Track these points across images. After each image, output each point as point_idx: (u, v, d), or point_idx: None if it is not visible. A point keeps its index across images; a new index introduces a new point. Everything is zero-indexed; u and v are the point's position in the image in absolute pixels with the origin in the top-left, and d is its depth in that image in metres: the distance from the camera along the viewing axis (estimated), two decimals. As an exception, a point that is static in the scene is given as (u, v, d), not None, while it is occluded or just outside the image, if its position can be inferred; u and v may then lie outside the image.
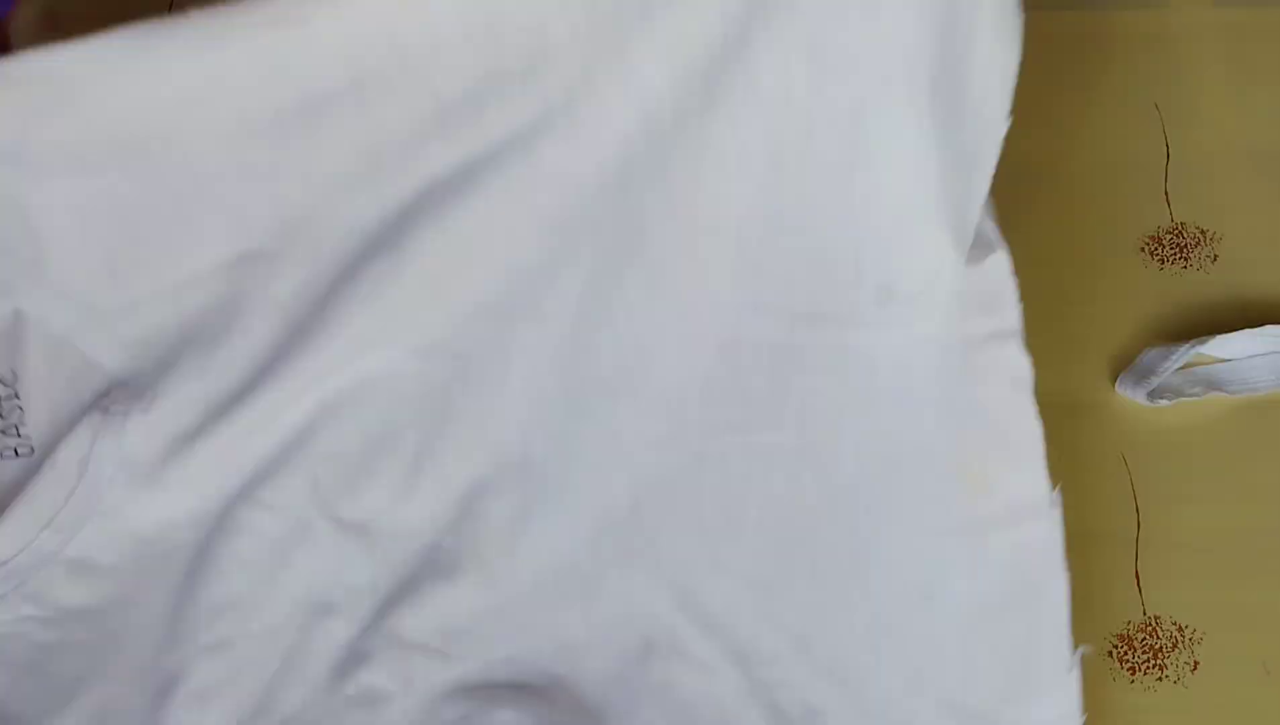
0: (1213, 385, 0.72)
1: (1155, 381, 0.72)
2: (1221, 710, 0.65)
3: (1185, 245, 0.78)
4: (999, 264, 0.65)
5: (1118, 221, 0.78)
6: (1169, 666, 0.66)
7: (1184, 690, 0.66)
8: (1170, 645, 0.67)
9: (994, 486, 0.63)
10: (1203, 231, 0.78)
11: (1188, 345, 0.72)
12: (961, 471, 0.63)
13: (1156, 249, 0.78)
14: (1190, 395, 0.72)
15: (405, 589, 0.62)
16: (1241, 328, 0.73)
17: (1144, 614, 0.67)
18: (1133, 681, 0.66)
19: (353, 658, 0.61)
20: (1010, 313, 0.65)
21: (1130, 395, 0.72)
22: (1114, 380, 0.73)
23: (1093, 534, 0.69)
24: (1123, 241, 0.78)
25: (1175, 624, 0.67)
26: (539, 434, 0.64)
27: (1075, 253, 0.77)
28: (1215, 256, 0.77)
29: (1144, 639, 0.67)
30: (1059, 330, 0.75)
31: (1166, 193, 0.79)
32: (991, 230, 0.65)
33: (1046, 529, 0.62)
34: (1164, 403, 0.72)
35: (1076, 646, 0.60)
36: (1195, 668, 0.66)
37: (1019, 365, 0.65)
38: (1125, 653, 0.66)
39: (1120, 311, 0.75)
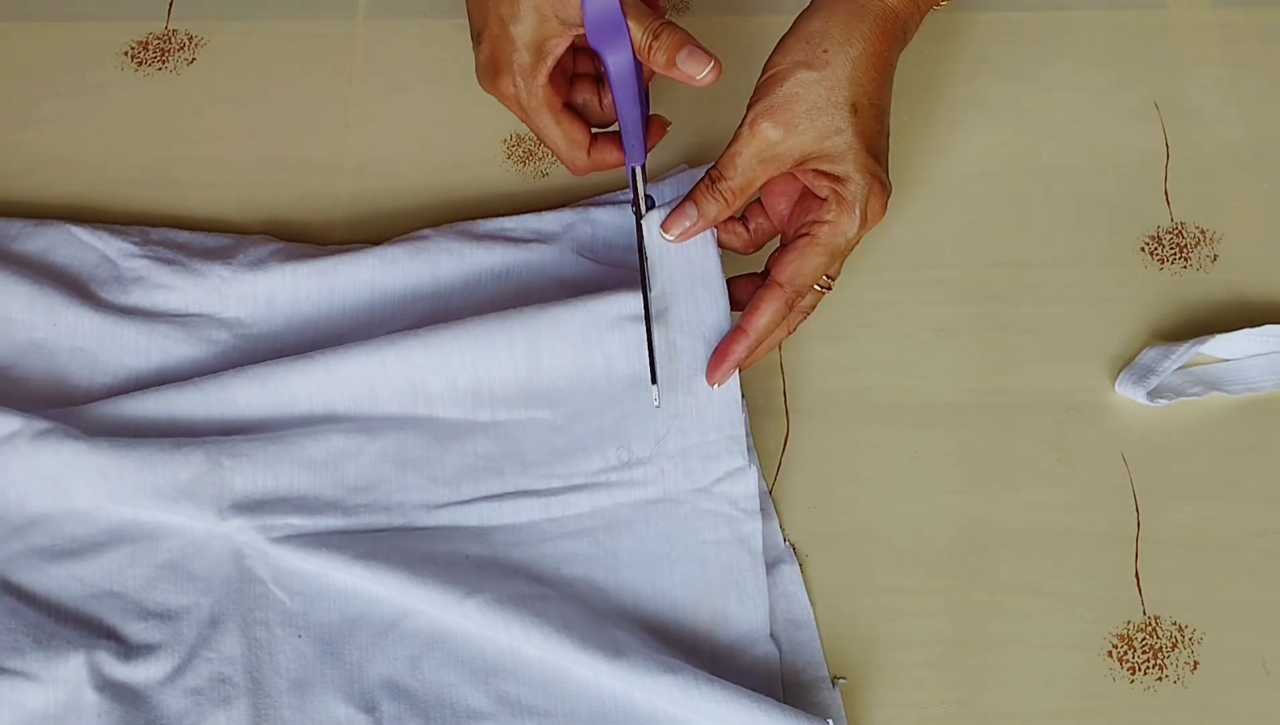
0: (1213, 385, 0.72)
1: (1155, 381, 0.72)
2: (1221, 710, 0.65)
3: (1185, 245, 0.78)
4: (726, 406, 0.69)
5: (1118, 221, 0.78)
6: (1169, 666, 0.66)
7: (1184, 690, 0.66)
8: (1170, 645, 0.67)
9: (726, 622, 0.66)
10: (1203, 231, 0.78)
11: (1188, 345, 0.72)
12: (694, 617, 0.66)
13: (1156, 249, 0.78)
14: (1190, 395, 0.72)
15: None
16: (1241, 328, 0.73)
17: (1144, 614, 0.67)
18: (1133, 681, 0.66)
19: None
20: (737, 455, 0.69)
21: (1130, 395, 0.72)
22: (1114, 380, 0.73)
23: (1093, 534, 0.69)
24: (1123, 241, 0.78)
25: (1175, 624, 0.67)
26: None
27: (1075, 253, 0.77)
28: (1215, 256, 0.77)
29: (1144, 639, 0.67)
30: (1059, 330, 0.75)
31: (1166, 193, 0.79)
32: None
33: (766, 651, 0.66)
34: (1164, 403, 0.72)
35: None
36: (1195, 668, 0.66)
37: (746, 502, 0.69)
38: (1125, 653, 0.66)
39: (1120, 311, 0.75)
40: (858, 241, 0.68)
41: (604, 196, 0.78)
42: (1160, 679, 0.66)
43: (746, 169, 0.66)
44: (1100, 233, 0.78)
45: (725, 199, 0.67)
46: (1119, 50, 0.84)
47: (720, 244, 0.70)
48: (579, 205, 0.78)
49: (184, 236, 0.76)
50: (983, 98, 0.82)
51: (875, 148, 0.67)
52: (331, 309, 0.74)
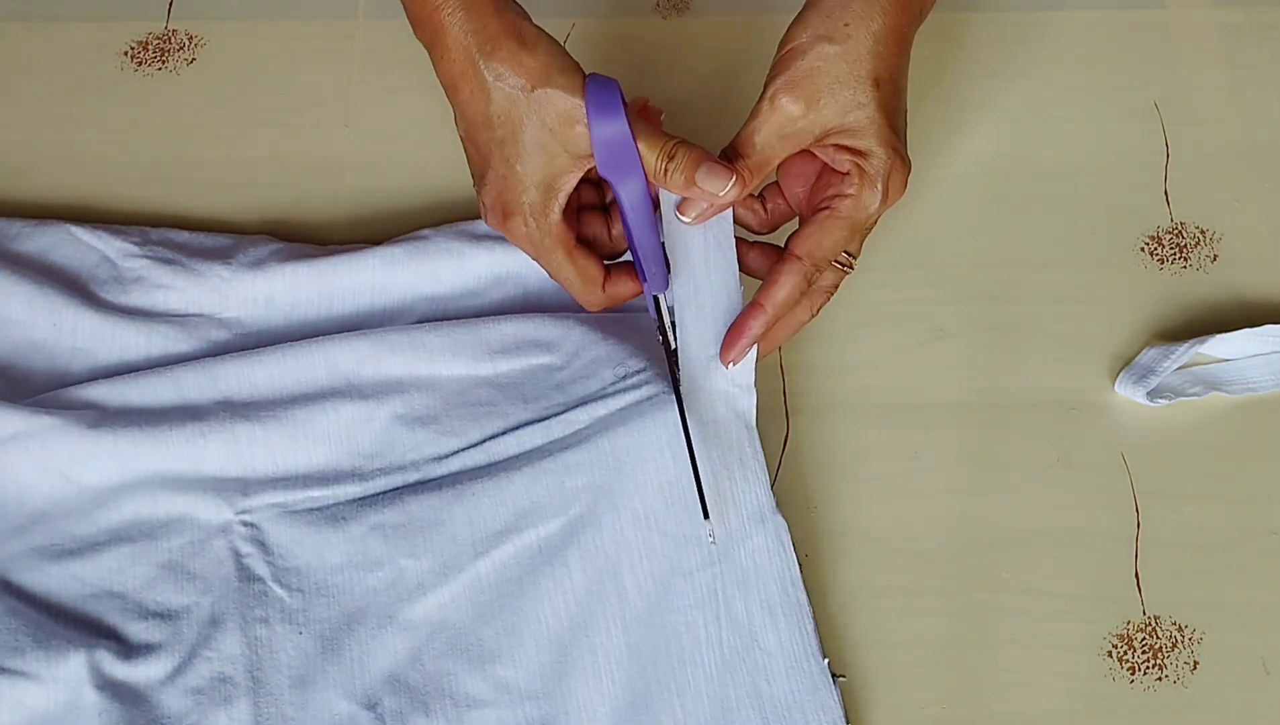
0: (1213, 385, 0.72)
1: (1155, 381, 0.72)
2: (1221, 710, 0.65)
3: (1185, 245, 0.78)
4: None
5: (1118, 221, 0.78)
6: (1169, 666, 0.66)
7: (1184, 690, 0.66)
8: (1170, 645, 0.67)
9: (733, 501, 0.67)
10: (1203, 231, 0.78)
11: (1188, 345, 0.72)
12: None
13: (1156, 249, 0.78)
14: (1190, 395, 0.72)
15: None
16: (1241, 328, 0.73)
17: (1144, 614, 0.67)
18: (1133, 681, 0.66)
19: None
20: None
21: (1130, 395, 0.72)
22: (1114, 380, 0.73)
23: (1093, 534, 0.69)
24: (1123, 241, 0.78)
25: (1175, 624, 0.67)
26: None
27: (1075, 253, 0.77)
28: (1215, 256, 0.77)
29: (1144, 639, 0.67)
30: (1059, 330, 0.75)
31: (1166, 193, 0.79)
32: None
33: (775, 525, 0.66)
34: (1164, 403, 0.72)
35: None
36: (1195, 668, 0.66)
37: (743, 377, 0.68)
38: (1125, 653, 0.66)
39: (1120, 311, 0.75)
40: (878, 218, 0.66)
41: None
42: (1160, 679, 0.66)
43: (766, 146, 0.64)
44: (1100, 233, 0.78)
45: (744, 177, 0.64)
46: (1119, 50, 0.84)
47: (736, 220, 0.68)
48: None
49: (184, 236, 0.76)
50: (983, 98, 0.82)
51: (896, 123, 0.66)
52: (331, 309, 0.74)
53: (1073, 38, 0.85)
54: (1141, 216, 0.79)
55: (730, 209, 0.67)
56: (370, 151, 0.81)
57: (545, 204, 0.65)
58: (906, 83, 0.67)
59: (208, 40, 0.85)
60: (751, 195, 0.68)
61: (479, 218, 0.76)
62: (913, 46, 0.68)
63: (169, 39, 0.85)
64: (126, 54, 0.84)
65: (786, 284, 0.65)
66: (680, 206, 0.66)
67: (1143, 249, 0.78)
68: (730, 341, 0.66)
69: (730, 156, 0.65)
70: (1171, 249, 0.78)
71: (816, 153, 0.66)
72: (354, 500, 0.69)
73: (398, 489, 0.69)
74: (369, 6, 0.86)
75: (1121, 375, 0.73)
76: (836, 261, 0.67)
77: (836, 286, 0.68)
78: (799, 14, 0.66)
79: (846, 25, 0.64)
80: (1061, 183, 0.80)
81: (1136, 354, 0.73)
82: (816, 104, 0.64)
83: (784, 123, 0.64)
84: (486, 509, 0.67)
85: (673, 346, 0.68)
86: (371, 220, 0.79)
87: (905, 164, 0.66)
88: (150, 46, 0.85)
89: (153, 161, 0.81)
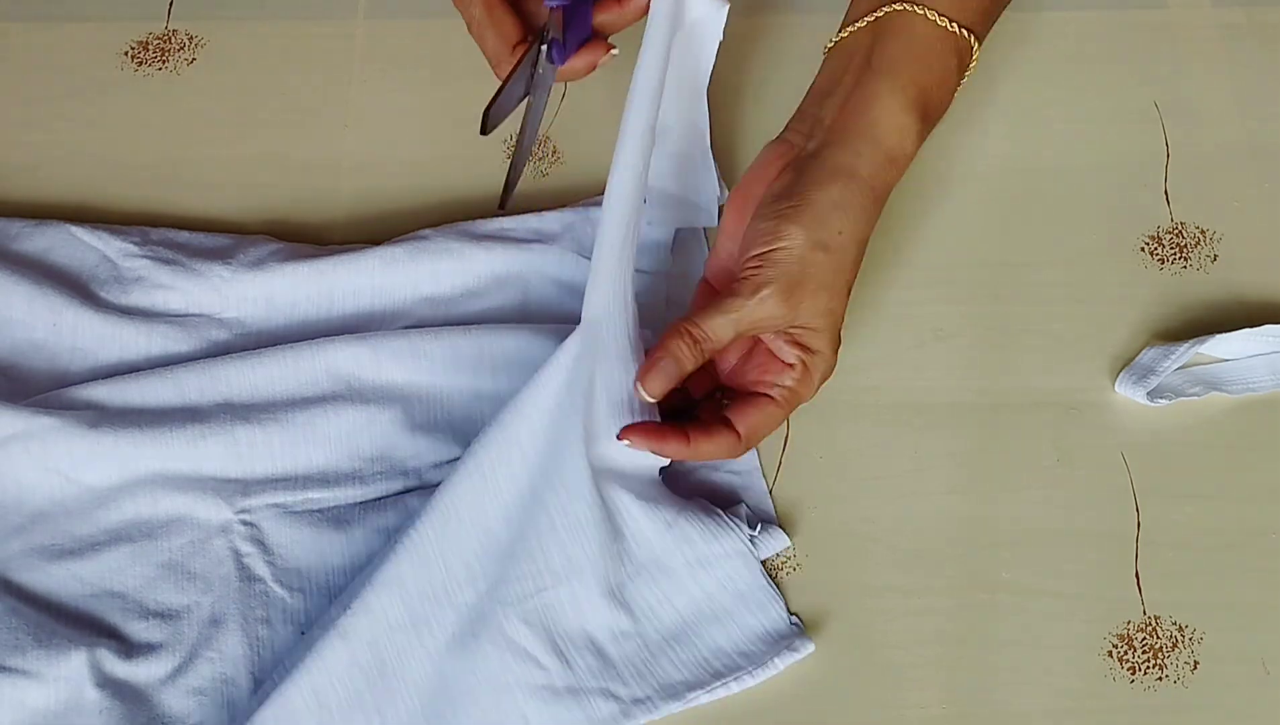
0: (1213, 385, 0.72)
1: (1155, 381, 0.72)
2: (1221, 710, 0.65)
3: (1185, 245, 0.78)
4: None
5: (1118, 221, 0.78)
6: (1169, 666, 0.66)
7: (1184, 690, 0.66)
8: (1170, 645, 0.67)
9: None
10: (1203, 231, 0.78)
11: (1188, 345, 0.72)
12: None
13: (1156, 249, 0.78)
14: (1190, 395, 0.72)
15: None
16: (1241, 328, 0.73)
17: (1144, 614, 0.67)
18: (1133, 681, 0.66)
19: None
20: None
21: (1130, 395, 0.72)
22: (1114, 380, 0.73)
23: (1093, 534, 0.69)
24: (1123, 241, 0.78)
25: (1175, 624, 0.67)
26: None
27: (1075, 253, 0.77)
28: (1215, 256, 0.77)
29: (1144, 639, 0.67)
30: (1059, 330, 0.75)
31: (1166, 193, 0.79)
32: None
33: None
34: (1164, 402, 0.72)
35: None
36: (1195, 668, 0.66)
37: None
38: (1125, 653, 0.66)
39: (1120, 311, 0.75)
40: None
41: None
42: (1160, 679, 0.66)
43: (733, 333, 0.66)
44: (1100, 233, 0.78)
45: (703, 353, 0.66)
46: (1119, 50, 0.84)
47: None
48: (579, 205, 0.78)
49: (184, 236, 0.76)
50: (983, 98, 0.82)
51: (841, 324, 0.68)
52: (331, 309, 0.74)
53: (1073, 38, 0.85)
54: (1141, 216, 0.79)
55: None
56: (370, 151, 0.81)
57: None
58: None
59: (208, 40, 0.85)
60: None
61: (479, 218, 0.77)
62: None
63: (169, 39, 0.85)
64: (126, 54, 0.84)
65: (718, 444, 0.67)
66: (644, 381, 0.65)
67: (1143, 249, 0.78)
68: (639, 435, 0.66)
69: (698, 338, 0.66)
70: (1171, 249, 0.78)
71: (765, 340, 0.68)
72: (355, 504, 0.69)
73: (399, 493, 0.69)
74: (369, 6, 0.86)
75: (1121, 375, 0.73)
76: None
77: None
78: (789, 206, 0.66)
79: (841, 234, 0.66)
80: (1061, 183, 0.80)
81: (1136, 354, 0.73)
82: (797, 306, 0.66)
83: (763, 317, 0.66)
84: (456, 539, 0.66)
85: (534, 58, 0.68)
86: (371, 220, 0.79)
87: (835, 359, 0.68)
88: (150, 46, 0.85)
89: (153, 161, 0.81)
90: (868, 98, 0.69)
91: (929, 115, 0.71)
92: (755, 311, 0.66)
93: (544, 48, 0.68)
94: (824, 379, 0.68)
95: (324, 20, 0.86)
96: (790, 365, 0.67)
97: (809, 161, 0.68)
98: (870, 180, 0.67)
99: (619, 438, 0.66)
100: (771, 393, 0.67)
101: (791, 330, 0.67)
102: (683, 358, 0.66)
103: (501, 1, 0.70)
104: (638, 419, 0.66)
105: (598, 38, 0.70)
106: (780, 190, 0.68)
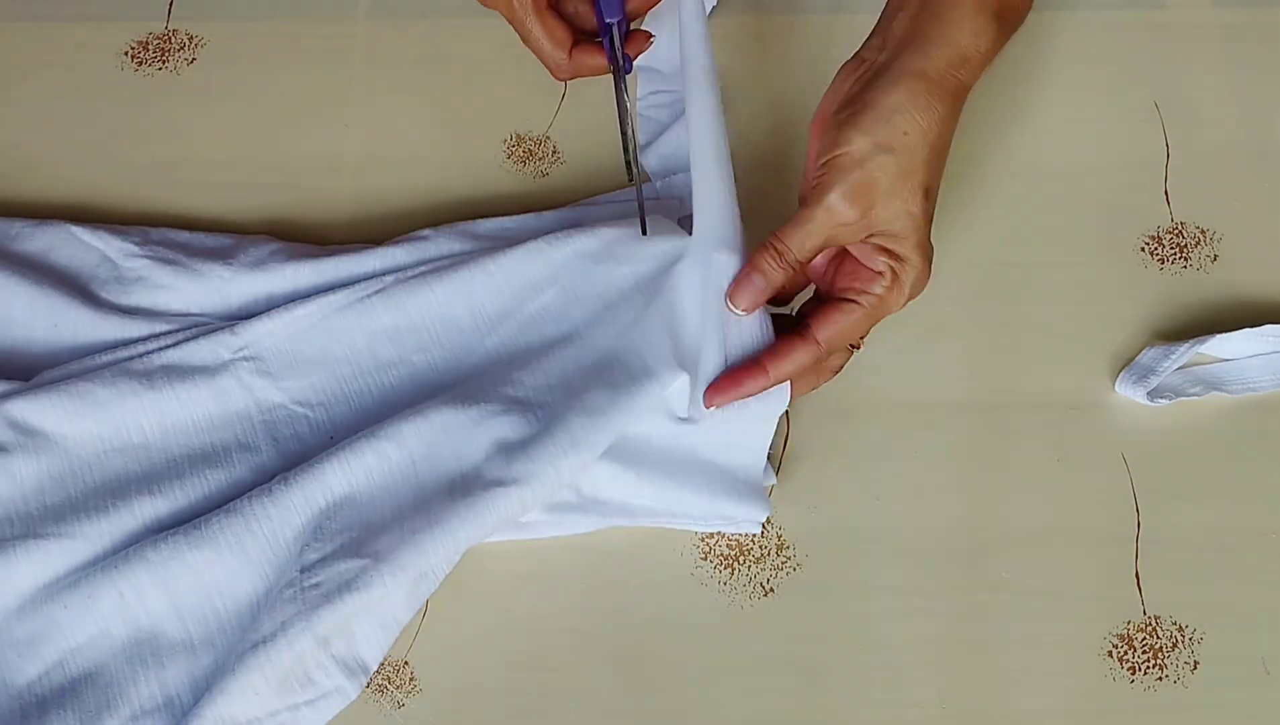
0: (1213, 385, 0.72)
1: (1155, 381, 0.72)
2: (1221, 710, 0.65)
3: (1185, 245, 0.78)
4: None
5: (1118, 221, 0.78)
6: (1169, 666, 0.66)
7: (1184, 690, 0.66)
8: (1170, 645, 0.67)
9: None
10: (1203, 231, 0.78)
11: (1188, 345, 0.72)
12: None
13: (1156, 249, 0.78)
14: (1190, 395, 0.72)
15: None
16: (1242, 328, 0.73)
17: (1144, 614, 0.67)
18: (1133, 681, 0.66)
19: None
20: None
21: (1130, 395, 0.72)
22: (1114, 380, 0.73)
23: (1093, 534, 0.69)
24: (1123, 241, 0.78)
25: (1175, 624, 0.67)
26: None
27: (1075, 253, 0.77)
28: (1215, 256, 0.77)
29: (1144, 639, 0.67)
30: (1059, 330, 0.75)
31: (1166, 193, 0.79)
32: None
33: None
34: (1164, 403, 0.72)
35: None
36: (1195, 668, 0.66)
37: None
38: (1125, 653, 0.66)
39: (1120, 311, 0.75)
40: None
41: (605, 196, 0.78)
42: (1160, 679, 0.66)
43: (814, 245, 0.66)
44: (1100, 233, 0.78)
45: (792, 269, 0.66)
46: (1119, 50, 0.84)
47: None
48: (579, 205, 0.78)
49: (184, 236, 0.76)
50: (983, 98, 0.82)
51: (929, 228, 0.67)
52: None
53: (1073, 38, 0.85)
54: (1141, 216, 0.79)
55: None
56: (370, 151, 0.81)
57: None
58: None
59: (208, 40, 0.85)
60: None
61: (479, 218, 0.77)
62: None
63: (169, 39, 0.85)
64: (126, 54, 0.84)
65: (796, 360, 0.66)
66: (733, 296, 0.67)
67: (1143, 249, 0.78)
68: (721, 388, 0.66)
69: (779, 251, 0.66)
70: (1171, 249, 0.78)
71: (852, 249, 0.67)
72: (347, 307, 0.70)
73: (387, 290, 0.71)
74: (369, 6, 0.86)
75: (1122, 375, 0.73)
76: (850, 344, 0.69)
77: (841, 368, 0.70)
78: (850, 113, 0.66)
79: (906, 134, 0.65)
80: (1061, 183, 0.80)
81: (1136, 354, 0.73)
82: (870, 212, 0.65)
83: (835, 227, 0.65)
84: (482, 294, 0.70)
85: (623, 72, 0.72)
86: (371, 220, 0.79)
87: (929, 270, 0.67)
88: (150, 46, 0.85)
89: (153, 161, 0.81)
90: (942, 5, 0.67)
91: (1005, 17, 0.69)
92: (827, 220, 0.65)
93: (616, 57, 0.72)
94: (915, 291, 0.67)
95: (324, 20, 0.86)
96: (879, 273, 0.66)
97: (879, 71, 0.67)
98: (940, 79, 0.66)
99: (707, 407, 0.66)
100: (859, 299, 0.67)
101: (873, 238, 0.66)
102: (769, 271, 0.66)
103: (551, 11, 0.73)
104: (745, 337, 0.67)
105: (636, 31, 0.74)
106: (845, 99, 0.67)
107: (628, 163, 0.72)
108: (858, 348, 0.70)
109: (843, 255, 0.68)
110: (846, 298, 0.67)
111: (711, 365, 0.67)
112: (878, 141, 0.65)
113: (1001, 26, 0.68)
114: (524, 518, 0.66)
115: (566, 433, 0.66)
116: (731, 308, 0.67)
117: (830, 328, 0.67)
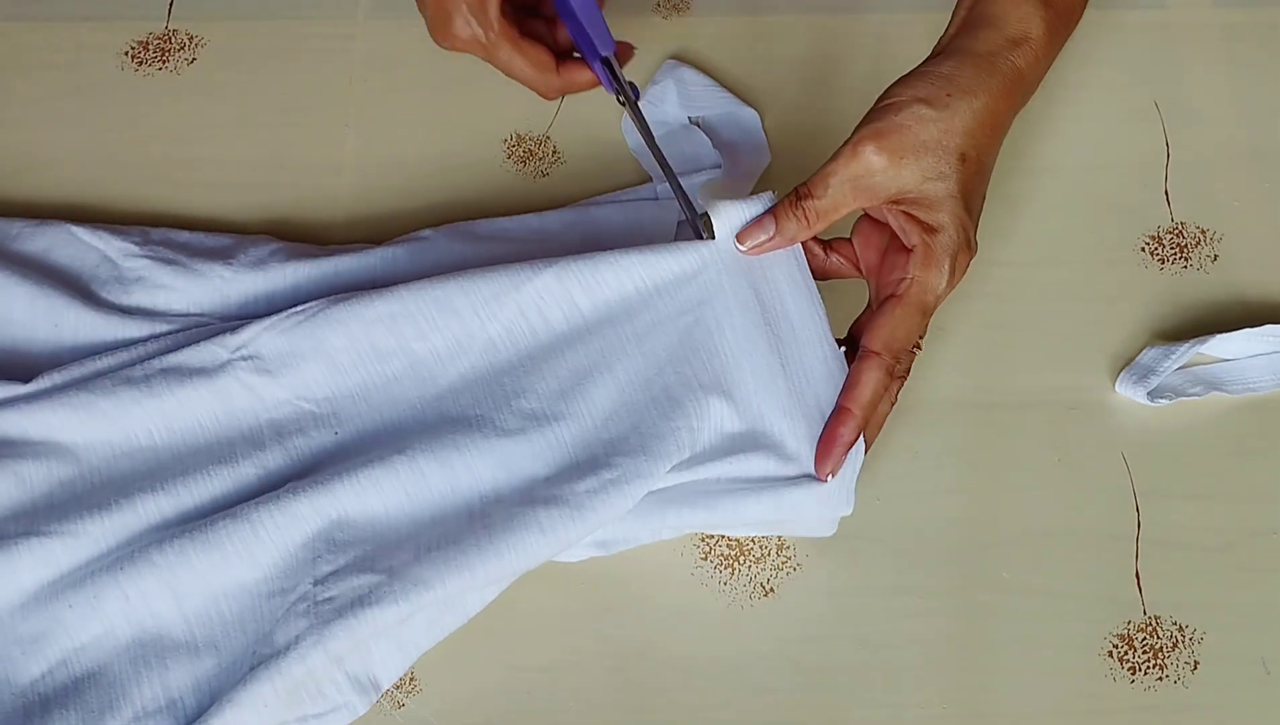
0: (1213, 385, 0.72)
1: (1155, 381, 0.72)
2: (1221, 710, 0.65)
3: (1185, 245, 0.78)
4: None
5: (1118, 221, 0.79)
6: (1169, 666, 0.66)
7: (1184, 690, 0.66)
8: (1170, 645, 0.67)
9: None
10: (1203, 231, 0.78)
11: (1188, 345, 0.72)
12: None
13: (1156, 249, 0.78)
14: (1190, 395, 0.72)
15: None
16: (1241, 328, 0.73)
17: (1144, 614, 0.67)
18: (1133, 682, 0.66)
19: None
20: None
21: (1130, 395, 0.72)
22: (1114, 380, 0.73)
23: (1093, 534, 0.69)
24: (1123, 241, 0.78)
25: (1175, 624, 0.67)
26: None
27: (1075, 253, 0.77)
28: (1215, 256, 0.77)
29: (1144, 639, 0.67)
30: (1059, 330, 0.75)
31: (1166, 193, 0.79)
32: None
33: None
34: (1164, 402, 0.72)
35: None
36: (1195, 668, 0.66)
37: None
38: (1125, 653, 0.66)
39: (1120, 311, 0.75)
40: (945, 298, 0.65)
41: (605, 196, 0.78)
42: (1160, 679, 0.66)
43: (837, 191, 0.64)
44: (1100, 233, 0.78)
45: (808, 218, 0.64)
46: (1119, 50, 0.84)
47: None
48: (579, 205, 0.78)
49: (185, 236, 0.76)
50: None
51: (972, 205, 0.65)
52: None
53: (1073, 37, 0.84)
54: (1141, 216, 0.79)
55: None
56: (370, 151, 0.81)
57: (482, 2, 0.69)
58: (993, 167, 0.67)
59: (208, 40, 0.85)
60: (816, 238, 0.67)
61: (479, 218, 0.77)
62: (915, 50, 0.69)
63: (169, 39, 0.85)
64: (126, 54, 0.84)
65: (870, 382, 0.64)
66: (740, 235, 0.65)
67: (1143, 249, 0.78)
68: (824, 453, 0.64)
69: (801, 195, 0.64)
70: (1171, 249, 0.78)
71: (887, 219, 0.65)
72: (341, 300, 0.69)
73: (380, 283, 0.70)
74: (369, 6, 0.87)
75: (1122, 375, 0.73)
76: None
77: (910, 370, 0.67)
78: (905, 75, 0.66)
79: (949, 96, 0.64)
80: (1061, 183, 0.80)
81: (1136, 354, 0.73)
82: (899, 161, 0.63)
83: (861, 172, 0.63)
84: (477, 276, 0.68)
85: (633, 99, 0.70)
86: (371, 220, 0.79)
87: (972, 249, 0.65)
88: (150, 46, 0.85)
89: (153, 161, 0.81)
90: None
91: (1055, 4, 0.68)
92: (851, 163, 0.63)
93: (622, 87, 0.70)
94: (958, 268, 0.64)
95: (324, 20, 0.86)
96: (911, 248, 0.64)
97: (931, 54, 0.67)
98: (990, 57, 0.65)
99: (824, 479, 0.64)
100: (897, 290, 0.64)
101: (907, 201, 0.64)
102: (784, 216, 0.64)
103: (525, 39, 0.71)
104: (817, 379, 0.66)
105: (621, 45, 0.72)
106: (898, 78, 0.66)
107: (677, 194, 0.69)
108: (918, 349, 0.67)
109: (889, 248, 0.66)
110: (887, 296, 0.65)
111: (805, 424, 0.65)
112: (918, 95, 0.64)
113: (1056, 15, 0.68)
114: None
115: (610, 472, 0.64)
116: (737, 245, 0.65)
117: (881, 332, 0.64)
